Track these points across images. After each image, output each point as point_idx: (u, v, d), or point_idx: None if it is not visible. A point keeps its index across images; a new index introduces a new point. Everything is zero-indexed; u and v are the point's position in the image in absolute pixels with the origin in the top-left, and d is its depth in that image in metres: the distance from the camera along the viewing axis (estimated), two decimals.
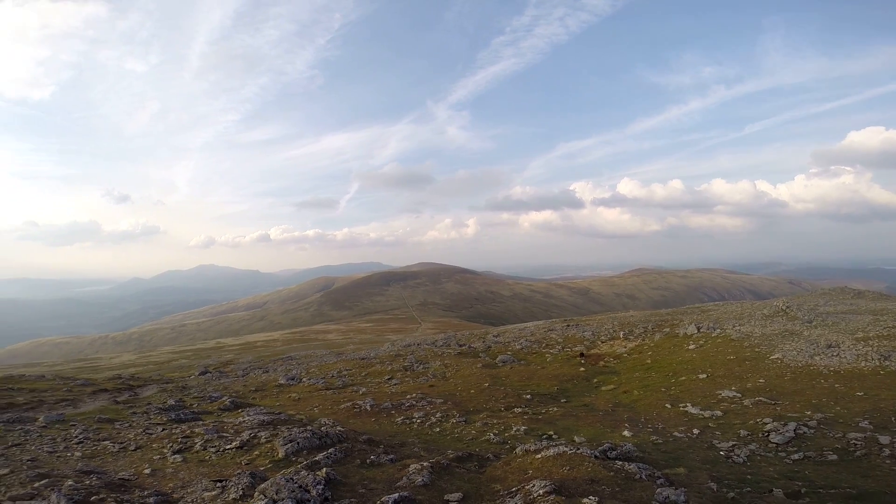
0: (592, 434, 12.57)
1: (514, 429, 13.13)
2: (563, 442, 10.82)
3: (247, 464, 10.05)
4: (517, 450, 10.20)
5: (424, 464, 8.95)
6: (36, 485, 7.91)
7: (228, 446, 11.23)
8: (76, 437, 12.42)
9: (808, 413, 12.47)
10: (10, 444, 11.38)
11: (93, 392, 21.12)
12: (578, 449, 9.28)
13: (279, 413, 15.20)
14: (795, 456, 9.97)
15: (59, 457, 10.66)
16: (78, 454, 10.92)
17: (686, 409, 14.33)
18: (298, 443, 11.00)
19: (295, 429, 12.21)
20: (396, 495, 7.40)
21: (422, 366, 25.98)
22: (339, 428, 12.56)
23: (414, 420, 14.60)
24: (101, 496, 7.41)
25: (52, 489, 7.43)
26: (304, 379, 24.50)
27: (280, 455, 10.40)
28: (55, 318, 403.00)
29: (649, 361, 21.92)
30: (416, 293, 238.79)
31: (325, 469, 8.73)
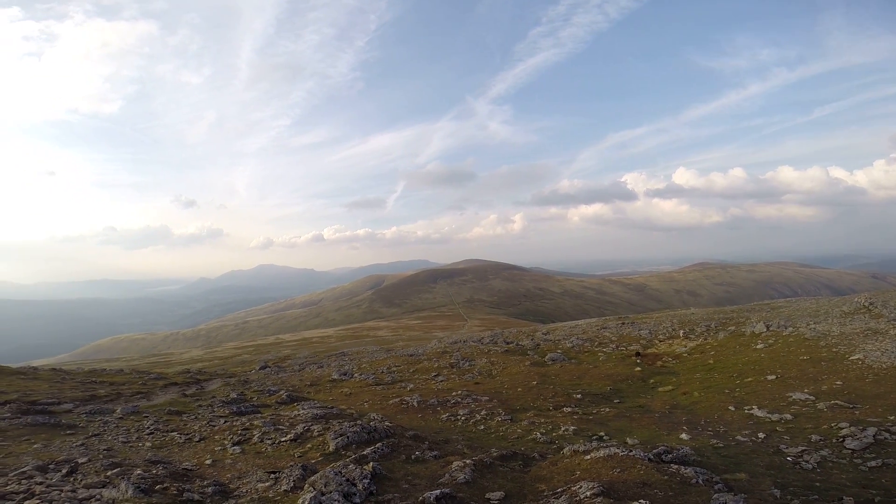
0: (647, 436, 11.99)
1: (563, 429, 12.78)
2: (615, 443, 10.40)
3: (299, 456, 10.45)
4: (565, 450, 9.92)
5: (467, 461, 8.92)
6: (108, 473, 8.63)
7: (283, 439, 11.75)
8: (147, 428, 13.45)
9: (892, 418, 11.24)
10: (90, 434, 12.52)
11: (164, 385, 22.83)
12: (631, 451, 8.89)
13: (332, 407, 15.68)
14: (872, 463, 9.02)
15: (131, 447, 11.57)
16: (148, 444, 11.81)
17: (752, 411, 13.35)
18: (348, 437, 11.31)
19: (346, 423, 12.57)
20: (438, 492, 7.41)
21: (468, 363, 25.94)
22: (386, 423, 12.78)
23: (459, 417, 14.58)
24: (165, 485, 7.96)
25: (123, 478, 8.06)
26: (356, 374, 25.16)
27: (331, 448, 10.73)
28: (133, 315, 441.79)
29: (712, 361, 20.65)
30: (463, 290, 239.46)
31: (371, 463, 8.90)
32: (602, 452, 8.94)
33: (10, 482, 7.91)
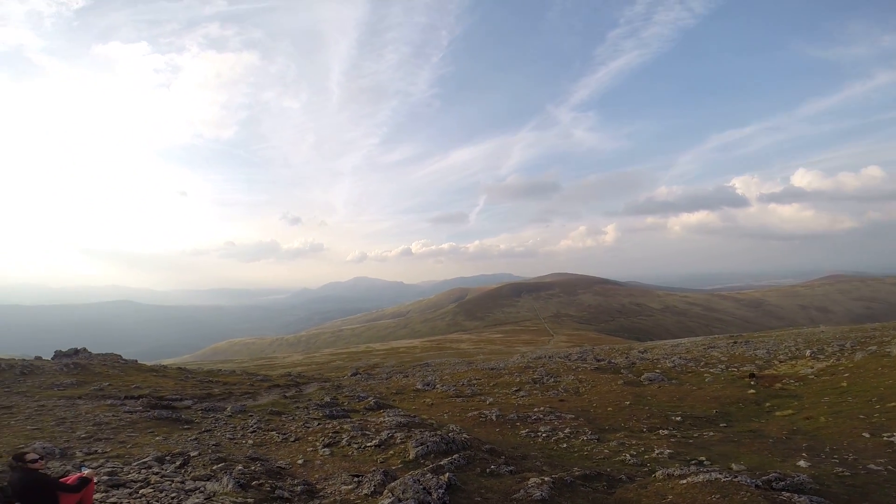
0: (756, 462, 10.58)
1: (657, 451, 11.74)
2: (717, 468, 9.31)
3: (381, 462, 10.78)
4: (657, 473, 9.10)
5: (546, 478, 8.50)
6: (214, 467, 9.59)
7: (369, 444, 12.22)
8: (251, 426, 14.79)
9: None
10: (203, 429, 14.03)
11: (268, 387, 25.01)
12: (735, 477, 7.93)
13: (414, 416, 16.01)
14: None
15: (236, 443, 12.75)
16: (250, 442, 12.95)
17: (891, 439, 11.23)
18: (428, 446, 11.44)
19: (426, 433, 12.74)
20: None
21: (552, 379, 25.02)
22: (464, 435, 12.73)
23: (539, 434, 14.05)
24: (261, 481, 8.65)
25: (225, 472, 8.90)
26: (438, 385, 25.48)
27: (411, 456, 10.93)
28: (245, 321, 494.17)
29: (845, 384, 17.76)
30: (549, 305, 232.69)
31: (447, 474, 8.88)
32: (700, 477, 8.05)
33: (131, 471, 9.14)
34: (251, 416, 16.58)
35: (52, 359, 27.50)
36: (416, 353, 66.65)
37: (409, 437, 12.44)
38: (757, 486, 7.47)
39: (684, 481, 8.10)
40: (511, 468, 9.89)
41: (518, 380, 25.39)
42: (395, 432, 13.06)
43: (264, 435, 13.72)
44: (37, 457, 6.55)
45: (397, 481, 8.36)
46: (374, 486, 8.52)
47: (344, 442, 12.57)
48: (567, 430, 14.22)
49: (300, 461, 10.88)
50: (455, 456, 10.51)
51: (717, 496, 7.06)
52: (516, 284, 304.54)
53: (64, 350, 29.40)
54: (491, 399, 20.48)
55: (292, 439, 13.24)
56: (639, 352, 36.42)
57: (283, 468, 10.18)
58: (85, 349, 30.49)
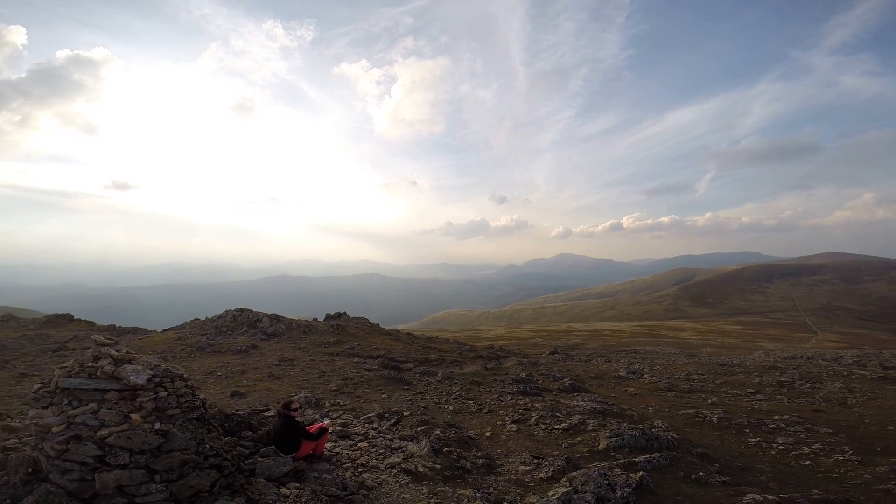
0: None
1: None
2: None
3: (566, 447, 10.41)
4: None
5: (770, 497, 6.81)
6: (417, 429, 10.66)
7: (557, 426, 11.98)
8: (454, 393, 16.07)
9: None
10: (417, 391, 15.87)
11: (473, 357, 27.01)
12: None
13: (612, 404, 14.99)
14: None
15: (440, 408, 14.02)
16: (451, 408, 14.07)
17: None
18: (623, 439, 10.61)
19: (624, 424, 11.80)
20: None
21: (808, 384, 19.91)
22: (671, 434, 11.27)
23: (774, 445, 11.34)
24: (451, 448, 9.31)
25: (425, 435, 9.79)
26: (646, 375, 23.15)
27: (601, 447, 10.28)
28: (459, 294, 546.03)
29: None
30: (815, 293, 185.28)
31: (641, 473, 8.02)
32: None
33: (357, 424, 10.92)
34: (455, 383, 18.07)
35: (323, 320, 35.23)
36: (623, 337, 62.09)
37: (603, 425, 11.71)
38: None
39: None
40: (725, 479, 8.29)
41: (757, 381, 20.99)
42: (588, 418, 12.47)
43: (463, 403, 14.74)
44: (298, 406, 8.02)
45: (580, 471, 7.95)
46: (553, 471, 8.30)
47: (532, 420, 12.59)
48: (816, 446, 11.18)
49: (488, 433, 11.37)
50: (655, 454, 9.43)
51: None
52: (766, 266, 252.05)
53: (331, 313, 37.20)
54: (714, 398, 17.50)
55: (485, 411, 13.88)
56: None
57: (472, 438, 10.77)
58: (345, 313, 37.90)
